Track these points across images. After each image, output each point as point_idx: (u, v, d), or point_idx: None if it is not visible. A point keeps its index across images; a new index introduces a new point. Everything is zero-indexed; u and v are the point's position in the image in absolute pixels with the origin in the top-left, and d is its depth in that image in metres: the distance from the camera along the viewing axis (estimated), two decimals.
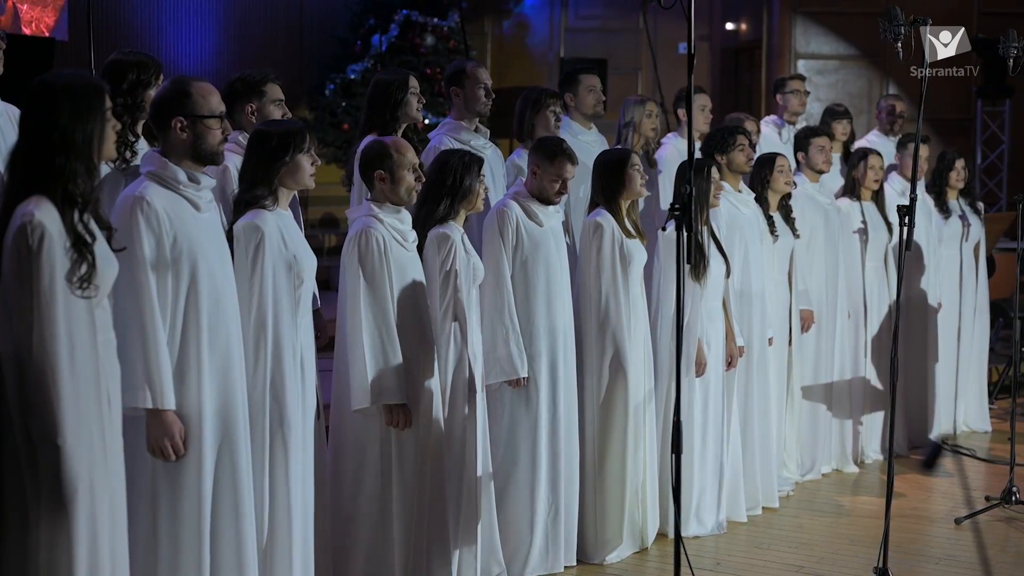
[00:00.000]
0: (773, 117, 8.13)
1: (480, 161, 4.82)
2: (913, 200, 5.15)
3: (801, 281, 6.65)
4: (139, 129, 4.31)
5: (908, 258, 5.51)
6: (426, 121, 9.67)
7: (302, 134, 4.12)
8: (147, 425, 3.60)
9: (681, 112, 7.00)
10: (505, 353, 5.03)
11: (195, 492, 3.67)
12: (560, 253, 5.27)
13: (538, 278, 5.16)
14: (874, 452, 7.25)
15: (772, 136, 7.79)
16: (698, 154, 6.20)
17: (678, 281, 4.24)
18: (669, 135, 6.98)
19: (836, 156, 7.63)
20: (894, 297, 5.93)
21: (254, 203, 4.04)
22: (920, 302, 7.53)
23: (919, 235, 7.10)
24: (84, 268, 3.11)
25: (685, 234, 4.23)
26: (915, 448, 7.46)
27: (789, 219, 6.53)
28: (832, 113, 7.94)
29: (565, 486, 5.24)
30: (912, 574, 5.33)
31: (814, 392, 6.81)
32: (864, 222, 7.10)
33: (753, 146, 6.52)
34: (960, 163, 7.76)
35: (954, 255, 7.81)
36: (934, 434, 7.63)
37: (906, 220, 5.02)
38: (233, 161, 4.39)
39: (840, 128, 7.81)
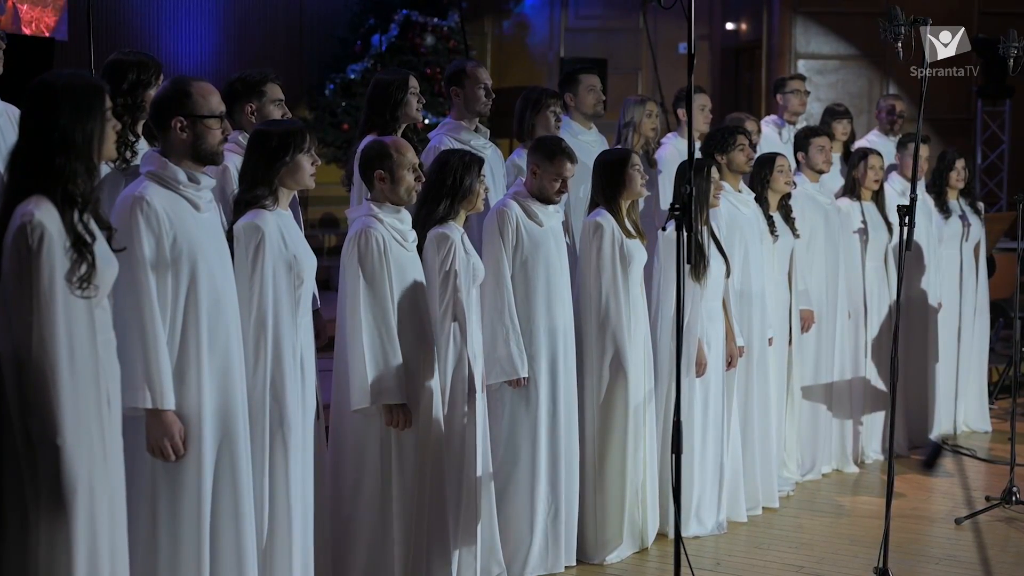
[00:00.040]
0: (773, 117, 8.13)
1: (480, 161, 4.82)
2: (913, 200, 5.15)
3: (801, 281, 6.65)
4: (139, 129, 4.31)
5: (908, 258, 5.51)
6: (426, 121, 9.67)
7: (302, 134, 4.12)
8: (147, 425, 3.60)
9: (681, 112, 7.00)
10: (505, 353, 5.02)
11: (195, 492, 3.67)
12: (560, 253, 5.27)
13: (538, 278, 5.16)
14: (874, 452, 7.25)
15: (772, 136, 7.79)
16: (698, 154, 6.20)
17: (678, 281, 4.23)
18: (669, 135, 6.99)
19: (836, 156, 7.63)
20: (894, 297, 5.93)
21: (254, 203, 4.04)
22: (920, 302, 7.53)
23: (919, 235, 7.10)
24: (84, 268, 3.11)
25: (685, 234, 4.23)
26: (915, 448, 7.46)
27: (789, 219, 6.53)
28: (832, 113, 7.95)
29: (565, 486, 5.23)
30: (912, 574, 5.32)
31: (814, 392, 6.81)
32: (864, 222, 7.10)
33: (753, 146, 6.52)
34: (960, 163, 7.76)
35: (954, 255, 7.81)
36: (934, 434, 7.63)
37: (906, 220, 5.02)
38: (233, 161, 4.39)
39: (840, 128, 7.82)
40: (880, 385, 7.16)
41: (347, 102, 11.16)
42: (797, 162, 6.94)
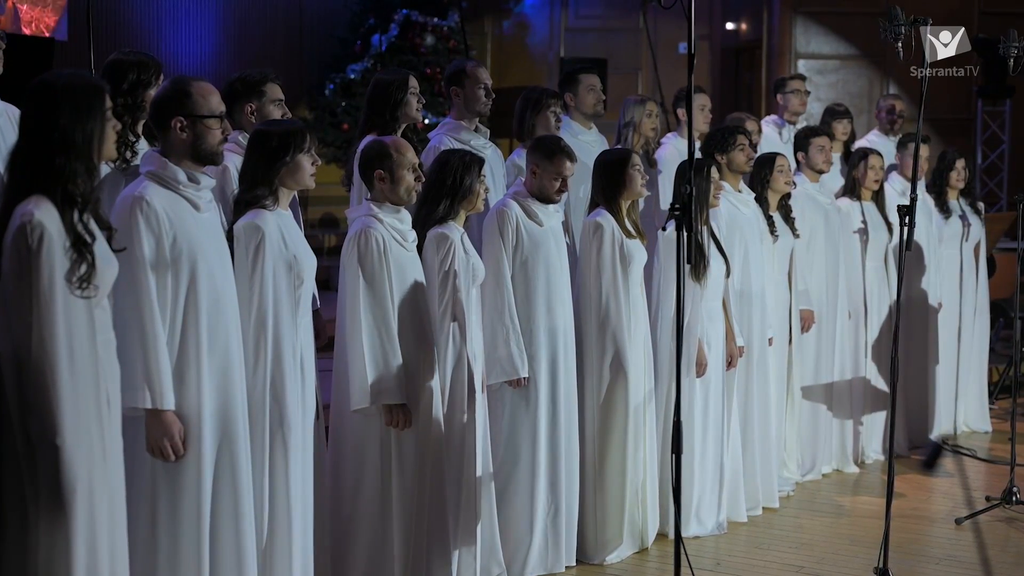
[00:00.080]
0: (773, 117, 8.13)
1: (481, 161, 4.81)
2: (913, 200, 5.15)
3: (801, 281, 6.65)
4: (139, 129, 4.30)
5: (908, 258, 5.50)
6: (426, 121, 9.67)
7: (302, 134, 4.12)
8: (146, 425, 3.60)
9: (681, 112, 7.00)
10: (506, 353, 5.02)
11: (194, 492, 3.67)
12: (560, 253, 5.27)
13: (538, 278, 5.15)
14: (874, 452, 7.25)
15: (772, 136, 7.79)
16: (698, 154, 6.20)
17: (678, 281, 4.23)
18: (669, 135, 6.98)
19: (836, 156, 7.63)
20: (894, 297, 5.93)
21: (254, 203, 4.04)
22: (920, 302, 7.53)
23: (919, 235, 7.10)
24: (83, 268, 3.11)
25: (685, 234, 4.23)
26: (915, 448, 7.46)
27: (789, 219, 6.53)
28: (832, 113, 7.95)
29: (565, 486, 5.23)
30: (912, 574, 5.32)
31: (814, 392, 6.81)
32: (864, 222, 7.10)
33: (754, 146, 6.52)
34: (960, 163, 7.76)
35: (954, 255, 7.81)
36: (934, 434, 7.63)
37: (906, 220, 5.01)
38: (233, 161, 4.39)
39: (840, 128, 7.82)
40: (880, 385, 7.15)
41: (347, 102, 11.15)
42: (797, 162, 6.94)
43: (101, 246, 3.20)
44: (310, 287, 4.22)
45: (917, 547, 5.71)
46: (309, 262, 4.14)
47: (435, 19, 11.73)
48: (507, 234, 5.09)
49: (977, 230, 7.97)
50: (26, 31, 9.17)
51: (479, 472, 4.82)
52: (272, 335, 3.98)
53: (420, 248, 4.65)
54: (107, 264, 3.23)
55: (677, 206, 4.19)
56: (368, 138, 4.89)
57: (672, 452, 4.24)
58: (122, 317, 3.48)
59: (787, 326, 6.56)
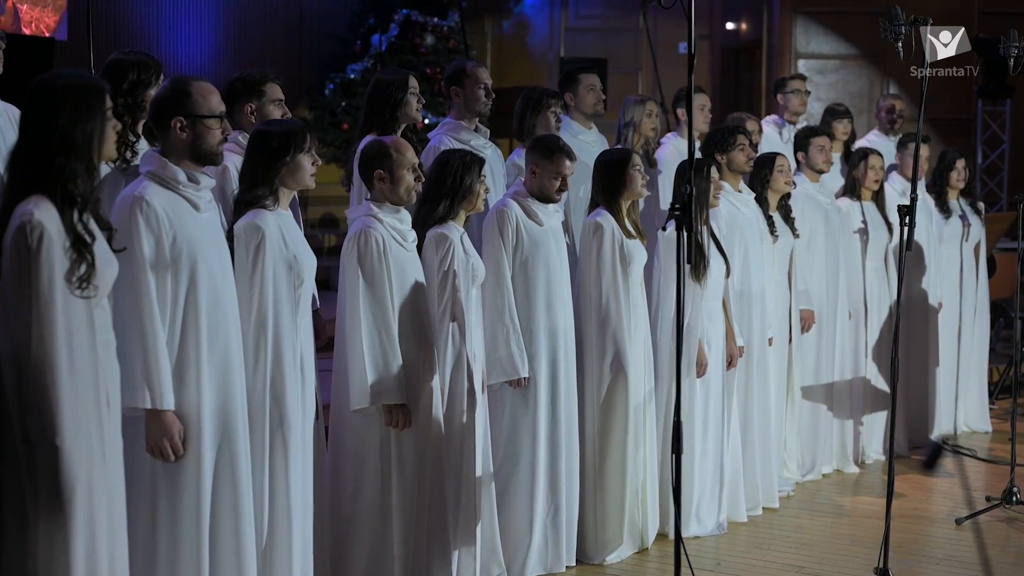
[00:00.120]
0: (774, 117, 8.13)
1: (481, 161, 4.81)
2: (914, 200, 5.15)
3: (801, 281, 6.64)
4: (139, 129, 4.30)
5: (908, 258, 5.50)
6: (426, 121, 9.67)
7: (303, 134, 4.12)
8: (146, 425, 3.59)
9: (681, 112, 6.99)
10: (506, 353, 5.02)
11: (194, 492, 3.67)
12: (560, 253, 5.26)
13: (538, 278, 5.15)
14: (875, 452, 7.24)
15: (773, 136, 7.79)
16: (698, 154, 6.19)
17: (678, 281, 4.23)
18: (669, 135, 6.98)
19: (837, 156, 7.63)
20: (894, 297, 5.92)
21: (255, 203, 4.04)
22: (921, 302, 7.53)
23: (919, 235, 7.10)
24: (83, 268, 3.11)
25: (685, 234, 4.23)
26: (916, 448, 7.46)
27: (788, 219, 6.53)
28: (833, 113, 7.95)
29: (565, 486, 5.23)
30: (913, 574, 5.32)
31: (814, 392, 6.81)
32: (864, 222, 7.09)
33: (754, 146, 6.51)
34: (961, 163, 7.76)
35: (954, 255, 7.81)
36: (935, 434, 7.63)
37: (907, 220, 5.01)
38: (233, 161, 4.39)
39: (841, 128, 7.82)
40: (880, 385, 7.15)
41: (347, 102, 11.15)
42: (797, 162, 6.94)
43: (101, 246, 3.20)
44: (310, 287, 4.22)
45: (917, 547, 5.71)
46: (309, 262, 4.14)
47: (435, 19, 11.73)
48: (507, 234, 5.09)
49: (977, 230, 7.96)
50: (26, 31, 9.17)
51: (479, 472, 4.82)
52: (272, 335, 3.98)
53: (420, 248, 4.65)
54: (107, 264, 3.22)
55: (677, 206, 4.18)
56: (368, 138, 4.89)
57: (672, 452, 4.23)
58: (122, 317, 3.48)
59: (787, 326, 6.55)
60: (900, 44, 5.28)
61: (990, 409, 8.25)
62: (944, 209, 7.74)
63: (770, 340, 6.30)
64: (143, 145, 4.23)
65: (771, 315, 6.32)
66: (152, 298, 3.57)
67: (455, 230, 4.73)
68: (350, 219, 4.57)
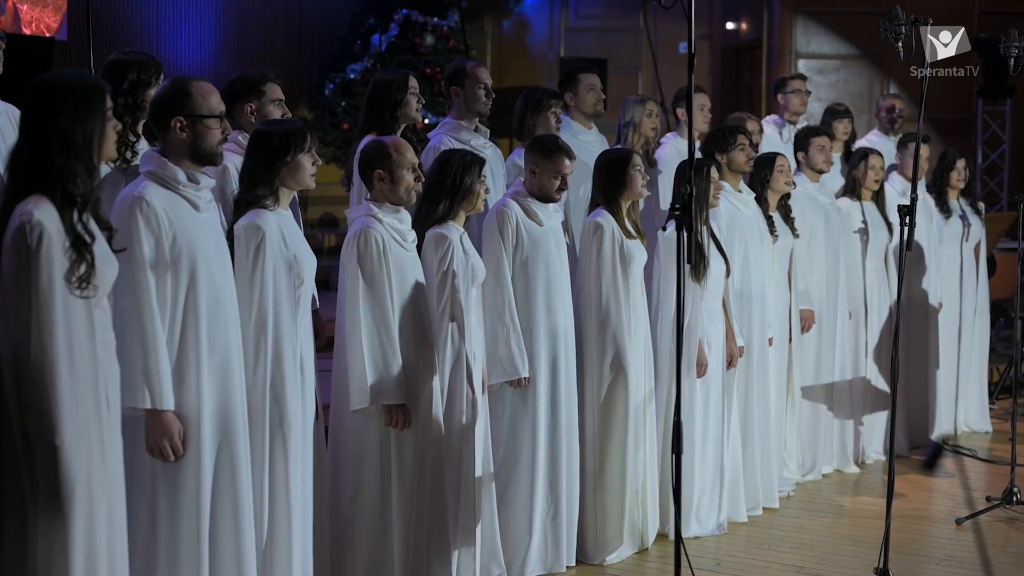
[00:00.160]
0: (774, 117, 8.13)
1: (482, 162, 4.80)
2: (914, 200, 5.14)
3: (801, 281, 6.64)
4: (139, 129, 4.30)
5: (908, 258, 5.50)
6: (426, 121, 9.66)
7: (303, 134, 4.12)
8: (146, 425, 3.59)
9: (680, 111, 6.99)
10: (506, 353, 5.02)
11: (194, 492, 3.67)
12: (560, 252, 5.26)
13: (538, 278, 5.15)
14: (875, 452, 7.24)
15: (773, 136, 7.79)
16: (698, 154, 6.19)
17: (678, 281, 4.23)
18: (668, 135, 6.98)
19: (837, 156, 7.63)
20: (895, 297, 5.92)
21: (255, 203, 4.04)
22: (921, 302, 7.53)
23: (920, 235, 7.10)
24: (83, 268, 3.11)
25: (685, 234, 4.22)
26: (916, 448, 7.46)
27: (788, 219, 6.53)
28: (833, 112, 7.95)
29: (565, 486, 5.23)
30: (913, 574, 5.32)
31: (815, 392, 6.81)
32: (864, 222, 7.09)
33: (755, 146, 6.51)
34: (961, 163, 7.76)
35: (955, 255, 7.81)
36: (935, 434, 7.63)
37: (907, 220, 5.01)
38: (233, 161, 4.39)
39: (841, 128, 7.82)
40: (880, 385, 7.15)
41: (347, 102, 11.15)
42: (797, 162, 6.94)
43: (101, 246, 3.20)
44: (310, 287, 4.22)
45: (917, 547, 5.71)
46: (309, 262, 4.14)
47: (435, 19, 11.73)
48: (507, 234, 5.09)
49: (977, 230, 7.96)
50: (26, 31, 9.16)
51: (479, 472, 4.82)
52: (272, 335, 3.98)
53: (420, 248, 4.64)
54: (107, 264, 3.22)
55: (677, 206, 4.18)
56: (368, 138, 4.89)
57: (672, 452, 4.23)
58: (122, 317, 3.48)
59: (787, 326, 6.55)
60: (900, 44, 5.28)
61: (990, 409, 8.25)
62: (944, 209, 7.74)
63: (770, 340, 6.30)
64: (143, 145, 4.23)
65: (771, 315, 6.31)
66: (152, 298, 3.57)
67: (455, 230, 4.73)
68: (350, 219, 4.57)
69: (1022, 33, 6.14)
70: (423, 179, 4.62)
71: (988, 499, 6.25)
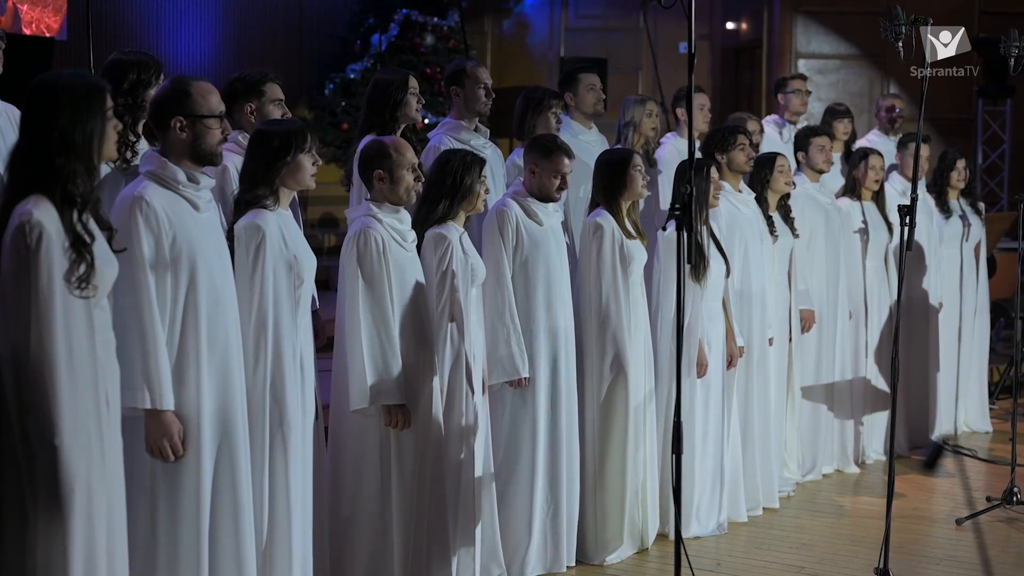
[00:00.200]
0: (774, 117, 8.13)
1: (482, 162, 4.80)
2: (914, 200, 5.14)
3: (802, 281, 6.64)
4: (139, 129, 4.30)
5: (909, 258, 5.50)
6: (426, 121, 9.66)
7: (303, 134, 4.12)
8: (146, 425, 3.59)
9: (680, 111, 6.99)
10: (506, 353, 5.02)
11: (194, 493, 3.67)
12: (560, 252, 5.26)
13: (538, 278, 5.15)
14: (875, 452, 7.24)
15: (773, 136, 7.79)
16: (698, 154, 6.19)
17: (678, 281, 4.23)
18: (668, 135, 6.97)
19: (837, 156, 7.63)
20: (895, 297, 5.92)
21: (255, 203, 4.04)
22: (921, 302, 7.53)
23: (920, 235, 7.10)
24: (82, 268, 3.10)
25: (685, 234, 4.22)
26: (916, 448, 7.46)
27: (788, 219, 6.53)
28: (833, 112, 7.95)
29: (565, 487, 5.22)
30: (913, 575, 5.32)
31: (815, 392, 6.81)
32: (865, 222, 7.09)
33: (755, 146, 6.50)
34: (961, 163, 7.76)
35: (955, 255, 7.81)
36: (935, 434, 7.62)
37: (907, 220, 5.01)
38: (233, 161, 4.39)
39: (841, 127, 7.82)
40: (881, 385, 7.15)
41: (347, 102, 11.15)
42: (797, 162, 6.94)
43: (101, 246, 3.20)
44: (310, 287, 4.22)
45: (918, 547, 5.71)
46: (309, 262, 4.14)
47: (435, 19, 11.73)
48: (507, 234, 5.09)
49: (977, 230, 7.96)
50: (27, 31, 9.16)
51: (479, 472, 4.82)
52: (272, 335, 3.98)
53: (420, 248, 4.64)
54: (107, 264, 3.22)
55: (677, 206, 4.18)
56: (367, 138, 4.89)
57: (672, 452, 4.23)
58: (122, 317, 3.48)
59: (787, 326, 6.55)
60: (900, 44, 5.28)
61: (990, 409, 8.25)
62: (944, 209, 7.74)
63: (770, 340, 6.30)
64: (143, 145, 4.23)
65: (771, 315, 6.31)
66: (152, 298, 3.57)
67: (454, 230, 4.72)
68: (350, 219, 4.57)
69: (1022, 33, 6.14)
70: (423, 179, 4.62)
71: (988, 499, 6.25)
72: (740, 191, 6.18)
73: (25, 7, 9.19)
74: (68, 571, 3.06)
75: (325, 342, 4.74)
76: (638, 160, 5.48)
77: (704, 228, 5.63)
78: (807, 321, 6.68)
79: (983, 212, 8.11)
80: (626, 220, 5.44)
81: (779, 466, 6.48)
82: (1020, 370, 6.77)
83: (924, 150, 7.13)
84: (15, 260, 3.05)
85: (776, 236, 6.37)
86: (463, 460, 4.74)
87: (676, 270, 4.23)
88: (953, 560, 5.51)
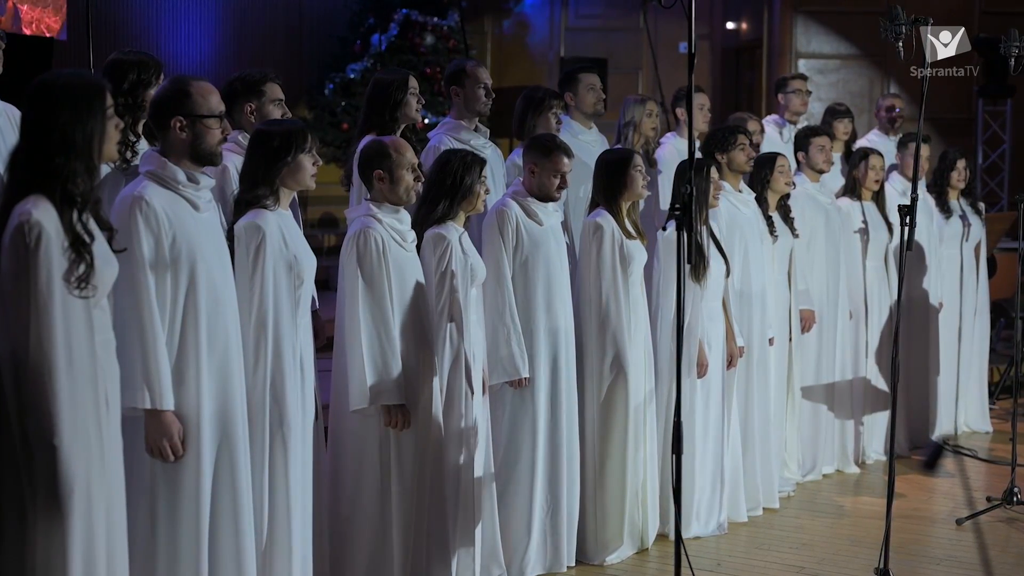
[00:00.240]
0: (774, 116, 8.12)
1: (482, 162, 4.80)
2: (914, 200, 5.14)
3: (802, 281, 6.64)
4: (139, 129, 4.30)
5: (909, 258, 5.50)
6: (426, 121, 9.66)
7: (303, 134, 4.12)
8: (146, 425, 3.59)
9: (680, 111, 6.99)
10: (507, 353, 5.01)
11: (194, 493, 3.67)
12: (560, 252, 5.26)
13: (538, 277, 5.15)
14: (875, 452, 7.24)
15: (773, 136, 7.79)
16: (698, 154, 6.19)
17: (678, 281, 4.23)
18: (668, 134, 6.97)
19: (837, 156, 7.63)
20: (895, 297, 5.92)
21: (255, 203, 4.04)
22: (921, 302, 7.53)
23: (920, 235, 7.10)
24: (82, 268, 3.10)
25: (685, 234, 4.22)
26: (916, 448, 7.46)
27: (788, 219, 6.53)
28: (833, 112, 7.95)
29: (565, 487, 5.22)
30: (913, 575, 5.31)
31: (815, 392, 6.80)
32: (865, 222, 7.09)
33: (756, 146, 6.50)
34: (961, 163, 7.76)
35: (955, 255, 7.81)
36: (935, 435, 7.62)
37: (907, 220, 5.01)
38: (233, 161, 4.39)
39: (841, 127, 7.82)
40: (881, 385, 7.15)
41: (347, 102, 11.14)
42: (798, 162, 6.94)
43: (101, 246, 3.20)
44: (310, 287, 4.22)
45: (918, 547, 5.71)
46: (309, 262, 4.13)
47: (435, 19, 11.72)
48: (507, 234, 5.09)
49: (978, 230, 7.96)
50: (27, 31, 9.16)
51: (479, 472, 4.81)
52: (272, 335, 3.98)
53: (420, 248, 4.64)
54: (106, 264, 3.22)
55: (677, 206, 4.18)
56: (367, 138, 4.89)
57: (672, 452, 4.23)
58: (122, 317, 3.48)
59: (787, 326, 6.55)
60: (900, 44, 5.28)
61: (990, 409, 8.25)
62: (944, 209, 7.74)
63: (770, 340, 6.30)
64: (143, 145, 4.23)
65: (771, 315, 6.31)
66: (152, 298, 3.57)
67: (454, 230, 4.72)
68: (349, 219, 4.57)
69: (1022, 33, 6.14)
70: (423, 179, 4.62)
71: (988, 499, 6.25)
72: (740, 191, 6.18)
73: (25, 7, 9.19)
74: (68, 571, 3.06)
75: (325, 342, 4.74)
76: (638, 160, 5.47)
77: (704, 228, 5.63)
78: (807, 321, 6.68)
79: (983, 212, 8.11)
80: (626, 220, 5.44)
81: (779, 466, 6.48)
82: (1020, 370, 6.77)
83: (924, 150, 7.12)
84: (14, 260, 3.05)
85: (776, 236, 6.37)
86: (463, 460, 4.74)
87: (676, 270, 4.23)
88: (953, 560, 5.51)
